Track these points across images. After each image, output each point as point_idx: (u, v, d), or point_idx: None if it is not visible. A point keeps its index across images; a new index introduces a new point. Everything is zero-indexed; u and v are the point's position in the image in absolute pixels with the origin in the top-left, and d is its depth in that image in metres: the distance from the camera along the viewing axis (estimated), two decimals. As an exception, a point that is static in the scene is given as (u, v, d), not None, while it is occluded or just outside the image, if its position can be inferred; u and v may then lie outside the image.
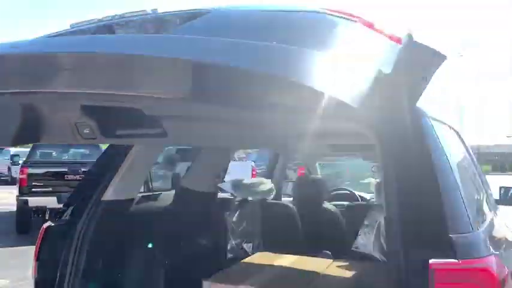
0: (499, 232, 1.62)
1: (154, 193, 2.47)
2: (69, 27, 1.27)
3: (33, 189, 7.17)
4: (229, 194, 2.82)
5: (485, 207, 1.81)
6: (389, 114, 1.18)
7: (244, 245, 2.74)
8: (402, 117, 1.24)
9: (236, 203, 2.82)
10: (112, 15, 1.24)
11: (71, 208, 1.90)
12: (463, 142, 2.05)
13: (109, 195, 1.88)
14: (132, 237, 2.09)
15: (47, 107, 1.23)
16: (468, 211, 1.27)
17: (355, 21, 1.04)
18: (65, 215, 1.89)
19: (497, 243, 1.43)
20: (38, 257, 1.79)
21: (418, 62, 1.10)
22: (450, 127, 1.78)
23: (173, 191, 2.60)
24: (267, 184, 2.83)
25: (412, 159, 1.28)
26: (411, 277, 1.14)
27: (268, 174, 3.53)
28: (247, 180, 2.81)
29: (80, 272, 1.76)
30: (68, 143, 5.86)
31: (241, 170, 8.00)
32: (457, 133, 1.96)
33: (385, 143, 1.30)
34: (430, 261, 1.11)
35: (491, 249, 1.25)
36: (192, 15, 1.14)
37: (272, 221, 2.69)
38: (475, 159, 2.19)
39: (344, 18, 1.06)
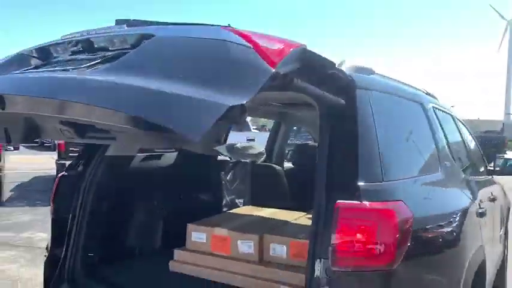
0: (430, 189, 1.88)
1: (158, 153, 2.83)
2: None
3: (70, 154, 7.78)
4: (226, 156, 3.18)
5: (430, 168, 2.07)
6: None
7: (237, 200, 3.12)
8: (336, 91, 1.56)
9: (230, 164, 3.19)
10: (71, 34, 1.60)
11: (81, 161, 2.30)
12: (424, 112, 2.28)
13: (110, 152, 2.26)
14: (134, 187, 2.47)
15: (36, 120, 1.58)
16: (385, 167, 1.55)
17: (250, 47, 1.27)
18: (76, 166, 2.29)
19: (415, 195, 1.70)
20: (54, 200, 2.20)
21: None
22: (398, 96, 2.03)
23: (176, 153, 2.95)
24: (257, 148, 3.17)
25: (340, 124, 1.58)
26: (328, 215, 1.45)
27: (271, 141, 3.85)
28: (240, 144, 3.14)
29: (87, 213, 2.16)
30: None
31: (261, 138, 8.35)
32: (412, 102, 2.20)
33: (322, 109, 1.61)
34: (337, 202, 1.43)
35: (401, 197, 1.53)
36: (136, 40, 1.41)
37: (261, 180, 3.04)
38: (437, 127, 2.39)
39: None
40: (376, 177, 1.51)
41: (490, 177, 3.86)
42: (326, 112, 1.61)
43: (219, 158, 3.22)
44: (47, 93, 1.25)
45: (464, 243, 1.87)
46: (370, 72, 2.05)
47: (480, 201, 2.48)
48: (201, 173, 2.94)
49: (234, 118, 1.15)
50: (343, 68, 1.77)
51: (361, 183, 1.46)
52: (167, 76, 1.19)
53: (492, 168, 3.91)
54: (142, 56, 1.32)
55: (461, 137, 3.12)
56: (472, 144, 3.72)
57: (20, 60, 1.60)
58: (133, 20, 1.59)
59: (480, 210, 2.35)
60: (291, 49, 1.29)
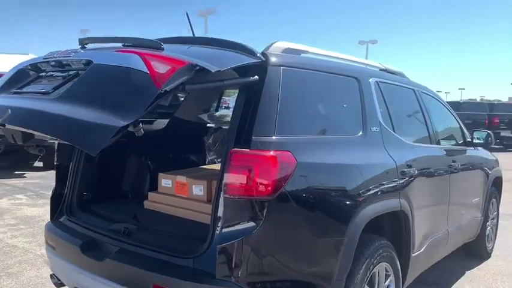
0: (332, 145, 2.30)
1: (151, 118, 3.42)
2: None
3: None
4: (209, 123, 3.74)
5: (344, 130, 2.50)
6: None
7: (217, 160, 3.68)
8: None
9: (212, 129, 3.75)
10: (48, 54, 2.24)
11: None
12: (359, 86, 2.68)
13: None
14: (127, 144, 3.05)
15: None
16: (279, 127, 2.02)
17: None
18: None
19: (309, 148, 2.13)
20: (58, 150, 2.83)
21: None
22: (322, 71, 2.46)
23: (168, 119, 3.53)
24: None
25: (248, 94, 2.07)
26: (227, 161, 1.96)
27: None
28: (218, 112, 3.68)
29: (83, 161, 2.76)
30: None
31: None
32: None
33: (239, 86, 2.12)
34: (232, 149, 1.94)
35: (289, 148, 2.00)
36: (82, 65, 2.03)
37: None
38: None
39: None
40: (268, 134, 1.99)
41: (472, 148, 4.17)
42: (241, 86, 2.11)
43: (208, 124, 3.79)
44: (20, 124, 2.01)
45: (355, 192, 2.28)
46: (300, 52, 2.50)
47: (414, 162, 2.85)
48: (188, 136, 3.51)
49: (127, 130, 1.74)
50: (269, 50, 2.26)
51: (254, 137, 1.96)
52: (86, 103, 1.81)
53: (470, 141, 4.21)
54: (78, 86, 1.95)
55: (422, 111, 3.44)
56: (444, 118, 4.05)
57: (13, 79, 2.31)
58: (87, 38, 2.21)
59: (406, 170, 2.74)
60: (175, 71, 1.77)
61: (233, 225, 1.90)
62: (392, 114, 2.95)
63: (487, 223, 4.67)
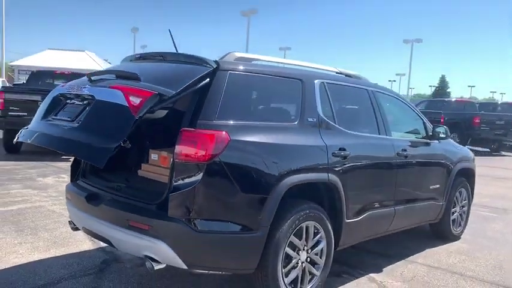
0: (264, 129, 3.07)
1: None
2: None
3: (9, 113, 9.33)
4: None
5: (280, 118, 3.30)
6: None
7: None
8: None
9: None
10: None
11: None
12: (302, 86, 3.44)
13: None
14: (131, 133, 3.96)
15: None
16: (220, 114, 2.84)
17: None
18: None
19: (242, 130, 2.93)
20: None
21: None
22: (267, 74, 3.26)
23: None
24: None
25: (200, 93, 2.90)
26: (178, 137, 2.80)
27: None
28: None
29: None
30: None
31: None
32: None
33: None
34: (181, 129, 2.78)
35: (225, 129, 2.81)
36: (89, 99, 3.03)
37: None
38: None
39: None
40: (210, 119, 2.82)
41: (435, 141, 4.81)
42: (196, 87, 2.93)
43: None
44: (45, 144, 3.04)
45: (282, 163, 3.02)
46: (251, 60, 3.32)
47: (349, 147, 3.56)
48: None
49: (119, 146, 2.69)
50: (224, 59, 3.10)
51: (199, 121, 2.80)
52: (92, 130, 2.85)
53: (431, 134, 4.84)
54: (87, 117, 2.91)
55: (373, 107, 4.13)
56: (402, 114, 4.73)
57: (51, 107, 3.36)
58: (92, 73, 3.25)
59: (337, 152, 3.45)
60: (145, 101, 2.69)
61: (181, 181, 2.75)
62: (336, 108, 3.69)
63: (454, 209, 5.25)
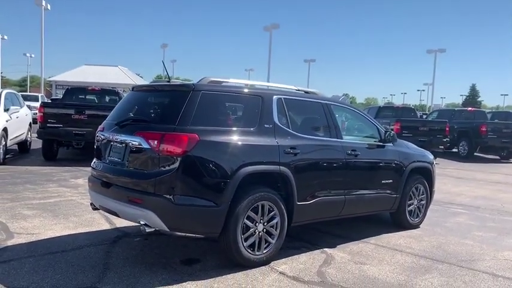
0: (226, 132, 4.25)
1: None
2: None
3: (48, 125, 10.74)
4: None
5: (242, 125, 4.44)
6: None
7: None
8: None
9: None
10: None
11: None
12: (262, 101, 4.59)
13: None
14: None
15: None
16: (193, 121, 4.01)
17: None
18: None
19: (209, 133, 4.10)
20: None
21: None
22: (232, 93, 4.44)
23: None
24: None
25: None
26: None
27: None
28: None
29: None
30: None
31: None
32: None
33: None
34: (162, 133, 3.97)
35: (196, 132, 3.98)
36: None
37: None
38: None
39: None
40: (185, 125, 3.99)
41: (389, 144, 5.84)
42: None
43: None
44: None
45: (240, 156, 4.14)
46: (221, 82, 4.51)
47: (299, 146, 4.66)
48: None
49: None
50: (200, 82, 4.30)
51: (176, 126, 3.97)
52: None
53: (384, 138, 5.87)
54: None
55: (326, 116, 5.22)
56: (356, 122, 5.81)
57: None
58: None
59: (287, 150, 4.55)
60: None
61: (163, 168, 3.93)
62: (291, 117, 4.82)
63: (411, 201, 6.22)
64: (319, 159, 4.94)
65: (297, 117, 5.02)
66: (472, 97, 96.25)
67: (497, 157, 18.37)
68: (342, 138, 5.28)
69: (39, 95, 29.31)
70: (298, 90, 5.26)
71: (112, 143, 4.47)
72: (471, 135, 17.38)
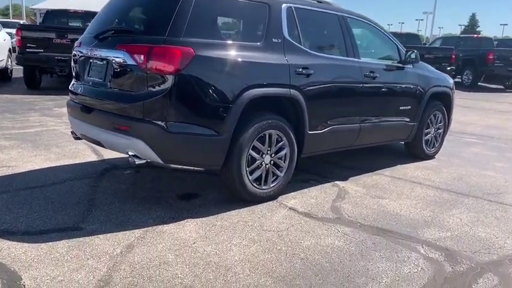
0: (228, 47, 3.53)
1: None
2: None
3: (27, 50, 9.88)
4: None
5: (247, 39, 3.71)
6: None
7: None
8: None
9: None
10: None
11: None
12: (269, 10, 3.83)
13: None
14: None
15: None
16: (186, 32, 3.27)
17: None
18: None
19: (207, 46, 3.38)
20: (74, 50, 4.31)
21: None
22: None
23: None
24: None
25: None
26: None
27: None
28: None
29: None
30: None
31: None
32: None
33: None
34: (149, 45, 3.25)
35: (190, 46, 3.27)
36: None
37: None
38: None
39: None
40: (177, 36, 3.27)
41: (409, 66, 5.17)
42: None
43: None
44: None
45: (243, 77, 3.48)
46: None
47: (312, 66, 3.98)
48: None
49: None
50: None
51: (167, 38, 3.25)
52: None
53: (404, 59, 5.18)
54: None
55: (342, 31, 4.49)
56: (375, 40, 5.07)
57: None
58: None
59: (299, 70, 3.87)
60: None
61: (153, 89, 3.26)
62: (303, 31, 4.08)
63: (428, 130, 5.66)
64: (334, 83, 4.29)
65: (309, 32, 4.27)
66: (471, 27, 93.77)
67: (501, 87, 17.75)
68: (359, 58, 4.60)
69: (21, 21, 27.65)
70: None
71: (91, 60, 3.75)
72: (477, 64, 16.62)
